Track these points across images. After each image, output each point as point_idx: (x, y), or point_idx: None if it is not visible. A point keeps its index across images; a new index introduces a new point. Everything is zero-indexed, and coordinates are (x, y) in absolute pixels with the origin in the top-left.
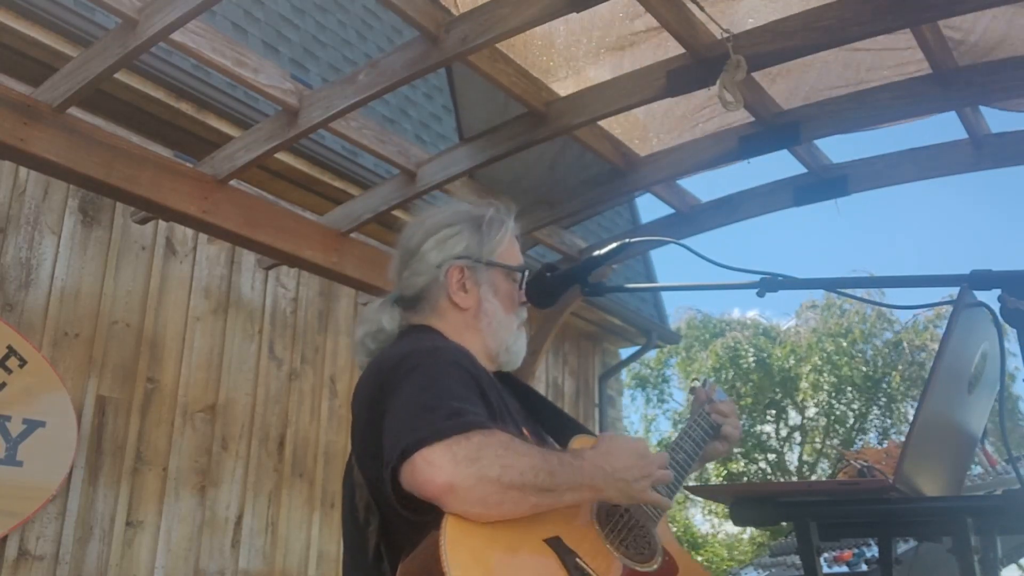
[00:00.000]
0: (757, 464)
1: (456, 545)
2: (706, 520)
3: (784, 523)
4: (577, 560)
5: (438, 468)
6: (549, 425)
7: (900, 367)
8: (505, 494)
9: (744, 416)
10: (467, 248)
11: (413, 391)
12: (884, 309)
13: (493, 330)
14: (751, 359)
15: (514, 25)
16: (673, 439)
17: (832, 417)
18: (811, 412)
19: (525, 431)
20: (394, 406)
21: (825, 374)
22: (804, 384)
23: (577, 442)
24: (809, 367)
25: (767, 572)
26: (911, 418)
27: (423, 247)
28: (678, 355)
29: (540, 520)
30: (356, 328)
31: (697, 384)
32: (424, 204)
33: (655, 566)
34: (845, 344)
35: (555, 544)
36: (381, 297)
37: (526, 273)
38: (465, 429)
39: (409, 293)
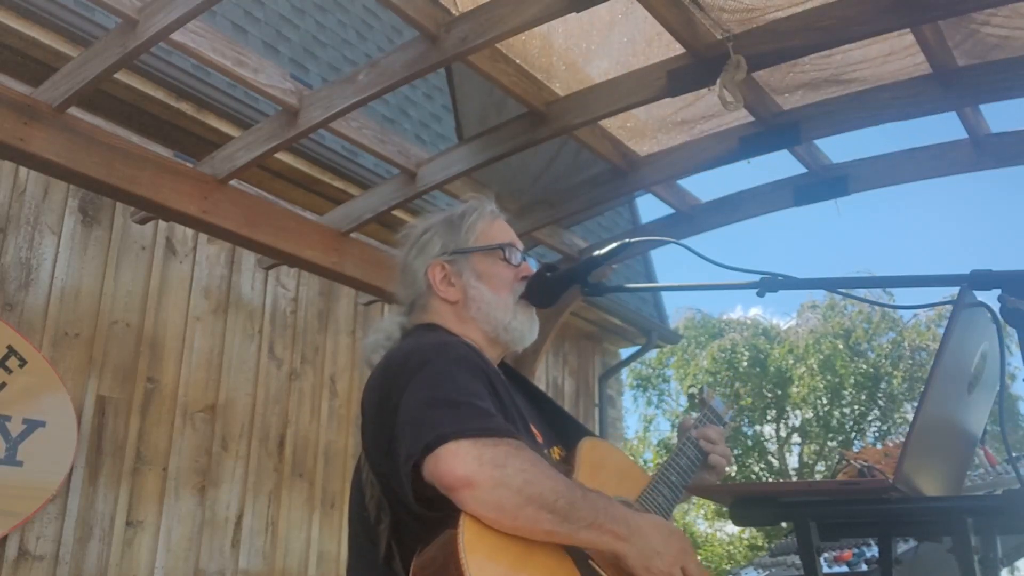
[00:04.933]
0: (757, 464)
1: (474, 540)
2: (705, 520)
3: (784, 523)
4: (590, 562)
5: (461, 461)
6: (553, 424)
7: (901, 367)
8: (522, 507)
9: (744, 417)
10: (443, 245)
11: (429, 386)
12: (885, 309)
13: (484, 313)
14: (745, 362)
15: (514, 25)
16: (657, 470)
17: (831, 418)
18: (808, 414)
19: (534, 428)
20: (408, 402)
21: (818, 376)
22: (794, 389)
23: (586, 447)
24: (804, 369)
25: (767, 572)
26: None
27: (407, 258)
28: (675, 355)
29: None
30: (365, 339)
31: (695, 391)
32: (424, 204)
33: None
34: (841, 347)
35: (569, 546)
36: (381, 297)
37: (511, 248)
38: (495, 435)
39: (407, 304)
